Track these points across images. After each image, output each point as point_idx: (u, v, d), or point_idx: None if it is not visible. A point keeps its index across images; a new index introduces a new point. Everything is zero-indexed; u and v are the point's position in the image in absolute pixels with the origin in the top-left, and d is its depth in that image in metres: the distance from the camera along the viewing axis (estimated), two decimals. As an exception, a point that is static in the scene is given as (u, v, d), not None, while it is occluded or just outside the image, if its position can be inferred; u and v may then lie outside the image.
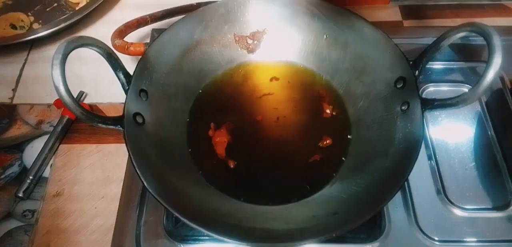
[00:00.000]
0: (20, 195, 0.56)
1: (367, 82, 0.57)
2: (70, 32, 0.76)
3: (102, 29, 0.77)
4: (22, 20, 0.77)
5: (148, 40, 0.72)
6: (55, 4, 0.80)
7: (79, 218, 0.55)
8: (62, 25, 0.73)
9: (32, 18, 0.78)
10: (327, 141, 0.55)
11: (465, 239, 0.51)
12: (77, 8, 0.78)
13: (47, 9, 0.79)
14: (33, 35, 0.71)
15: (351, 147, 0.55)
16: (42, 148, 0.60)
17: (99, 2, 0.77)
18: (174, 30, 0.57)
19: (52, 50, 0.41)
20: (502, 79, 0.63)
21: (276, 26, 0.63)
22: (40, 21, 0.78)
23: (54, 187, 0.58)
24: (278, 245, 0.44)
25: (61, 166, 0.60)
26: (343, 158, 0.54)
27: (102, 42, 0.46)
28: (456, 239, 0.51)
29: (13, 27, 0.76)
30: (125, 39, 0.63)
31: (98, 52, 0.46)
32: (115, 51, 0.49)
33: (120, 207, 0.54)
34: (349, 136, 0.56)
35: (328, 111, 0.58)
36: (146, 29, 0.71)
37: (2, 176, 0.59)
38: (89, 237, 0.53)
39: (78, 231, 0.54)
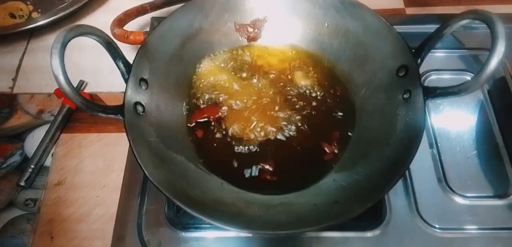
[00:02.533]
0: (22, 184, 0.56)
1: (369, 71, 0.57)
2: (69, 21, 0.75)
3: (102, 18, 0.76)
4: (21, 9, 0.76)
5: (148, 29, 0.71)
6: (53, -8, 0.80)
7: (81, 207, 0.55)
8: (62, 14, 0.72)
9: (31, 7, 0.77)
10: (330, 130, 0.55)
11: (466, 227, 0.51)
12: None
13: None
14: (32, 24, 0.71)
15: (352, 135, 0.55)
16: (43, 137, 0.60)
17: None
18: (174, 18, 0.57)
19: (52, 39, 0.41)
20: (505, 67, 0.63)
21: (277, 13, 0.62)
22: (39, 10, 0.77)
23: (55, 176, 0.58)
24: (279, 233, 0.44)
25: (62, 155, 0.60)
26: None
27: (102, 31, 0.46)
28: (457, 227, 0.51)
29: (12, 16, 0.75)
30: (124, 27, 0.63)
31: (98, 41, 0.46)
32: (114, 40, 0.49)
33: (121, 196, 0.54)
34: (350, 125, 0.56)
35: (329, 99, 0.58)
36: (146, 18, 0.71)
37: (4, 166, 0.59)
38: (91, 225, 0.54)
39: (80, 219, 0.54)
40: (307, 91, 0.59)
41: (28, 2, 0.78)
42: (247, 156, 0.54)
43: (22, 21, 0.75)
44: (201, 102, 0.58)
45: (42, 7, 0.77)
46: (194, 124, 0.56)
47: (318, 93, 0.59)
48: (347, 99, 0.58)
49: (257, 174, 0.52)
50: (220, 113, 0.57)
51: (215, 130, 0.56)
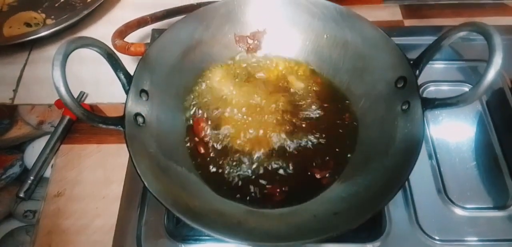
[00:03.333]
0: (21, 195, 0.56)
1: (367, 82, 0.57)
2: (70, 32, 0.76)
3: (103, 29, 0.77)
4: (35, 18, 0.77)
5: (148, 41, 0.72)
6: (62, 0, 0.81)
7: (80, 218, 0.55)
8: (63, 25, 0.73)
9: (43, 15, 0.78)
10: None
11: (466, 239, 0.51)
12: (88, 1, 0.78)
13: (56, 5, 0.80)
14: (33, 35, 0.72)
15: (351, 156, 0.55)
16: (43, 148, 0.60)
17: (100, 2, 0.77)
18: (175, 30, 0.57)
19: (53, 50, 0.41)
20: (502, 78, 0.63)
21: (276, 25, 0.63)
22: (52, 17, 0.78)
23: (55, 188, 0.58)
24: (279, 245, 0.44)
25: (62, 166, 0.60)
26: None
27: (103, 43, 0.47)
28: (457, 239, 0.51)
29: (28, 25, 0.76)
30: (125, 39, 0.63)
31: (99, 53, 0.47)
32: (115, 51, 0.49)
33: (121, 208, 0.54)
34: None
35: (329, 110, 0.58)
36: (147, 29, 0.71)
37: (3, 177, 0.59)
38: (90, 237, 0.53)
39: (79, 231, 0.54)
40: (307, 104, 0.59)
41: (39, 11, 0.78)
42: (247, 170, 0.53)
43: (38, 28, 0.75)
44: (201, 114, 0.58)
45: (54, 14, 0.78)
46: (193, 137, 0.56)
47: (318, 106, 0.59)
48: (346, 111, 0.58)
49: (256, 188, 0.52)
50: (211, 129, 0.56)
51: (215, 143, 0.56)
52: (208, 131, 0.56)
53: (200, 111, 0.58)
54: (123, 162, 0.58)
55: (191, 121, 0.57)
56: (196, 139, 0.56)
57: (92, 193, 0.57)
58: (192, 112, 0.58)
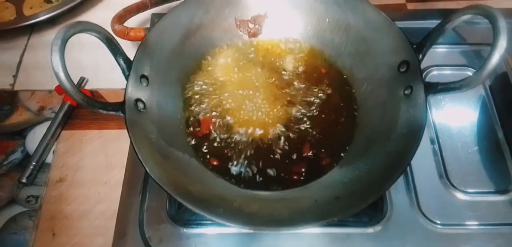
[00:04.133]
0: (24, 181, 0.56)
1: (370, 66, 0.56)
2: (69, 16, 0.75)
3: (102, 14, 0.76)
4: None
5: (148, 25, 0.71)
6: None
7: (83, 203, 0.55)
8: (62, 9, 0.72)
9: None
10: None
11: (467, 223, 0.51)
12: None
13: None
14: (32, 20, 0.71)
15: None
16: (45, 134, 0.60)
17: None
18: (175, 14, 0.57)
19: (52, 35, 0.41)
20: (506, 62, 0.63)
21: (277, 9, 0.62)
22: None
23: (57, 173, 0.58)
24: (280, 229, 0.44)
25: (63, 152, 0.60)
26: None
27: (102, 28, 0.46)
28: (458, 223, 0.51)
29: (48, 1, 0.75)
30: (125, 24, 0.63)
31: (98, 38, 0.46)
32: (115, 36, 0.49)
33: (123, 193, 0.54)
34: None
35: (331, 94, 0.58)
36: (146, 14, 0.70)
37: (5, 163, 0.59)
38: (92, 222, 0.54)
39: (81, 216, 0.54)
40: (308, 89, 0.59)
41: None
42: (247, 155, 0.53)
43: (59, 3, 0.74)
44: (200, 105, 0.58)
45: None
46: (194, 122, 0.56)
47: (320, 90, 0.59)
48: (348, 96, 0.58)
49: (257, 172, 0.52)
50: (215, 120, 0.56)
51: (215, 128, 0.55)
52: (208, 116, 0.56)
53: (200, 95, 0.58)
54: (124, 148, 0.58)
55: (191, 105, 0.57)
56: (197, 124, 0.56)
57: (94, 179, 0.57)
58: (192, 97, 0.58)
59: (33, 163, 0.57)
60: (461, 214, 0.51)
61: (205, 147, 0.54)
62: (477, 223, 0.51)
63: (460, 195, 0.53)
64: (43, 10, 0.73)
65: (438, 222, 0.51)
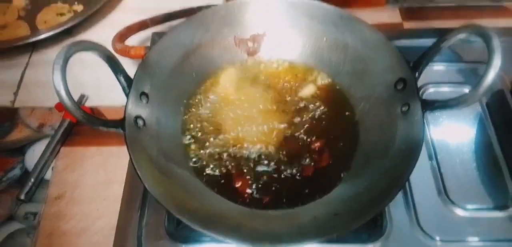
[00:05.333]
0: (22, 197, 0.56)
1: (367, 84, 0.57)
2: (71, 35, 0.76)
3: (103, 32, 0.77)
4: (63, 7, 0.81)
5: (148, 44, 0.72)
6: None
7: (81, 220, 0.55)
8: (63, 27, 0.73)
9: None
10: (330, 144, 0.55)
11: (466, 239, 0.51)
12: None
13: None
14: (34, 37, 0.72)
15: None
16: (44, 151, 0.60)
17: (100, 5, 0.77)
18: (175, 33, 0.58)
19: (53, 53, 0.41)
20: (502, 79, 0.63)
21: (276, 28, 0.63)
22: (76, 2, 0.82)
23: (55, 190, 0.58)
24: (279, 246, 0.44)
25: (62, 168, 0.60)
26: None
27: (103, 46, 0.47)
28: (458, 239, 0.51)
29: (61, 15, 0.79)
30: (126, 42, 0.64)
31: (99, 56, 0.47)
32: (116, 54, 0.49)
33: (121, 209, 0.54)
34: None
35: (329, 113, 0.58)
36: (147, 33, 0.71)
37: (4, 179, 0.59)
38: (91, 239, 0.53)
39: (80, 233, 0.54)
40: (308, 108, 0.59)
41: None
42: (247, 172, 0.53)
43: (70, 16, 0.79)
44: (201, 123, 0.58)
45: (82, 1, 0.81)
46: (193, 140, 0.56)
47: (318, 108, 0.59)
48: (347, 115, 0.58)
49: (257, 189, 0.52)
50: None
51: (215, 147, 0.56)
52: (208, 134, 0.56)
53: (200, 114, 0.58)
54: (124, 164, 0.58)
55: (191, 124, 0.57)
56: (196, 142, 0.56)
57: (93, 195, 0.57)
58: (192, 115, 0.58)
59: (32, 180, 0.57)
60: (460, 230, 0.51)
61: (204, 164, 0.54)
62: (476, 239, 0.51)
63: (459, 211, 0.53)
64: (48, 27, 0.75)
65: (437, 238, 0.51)
